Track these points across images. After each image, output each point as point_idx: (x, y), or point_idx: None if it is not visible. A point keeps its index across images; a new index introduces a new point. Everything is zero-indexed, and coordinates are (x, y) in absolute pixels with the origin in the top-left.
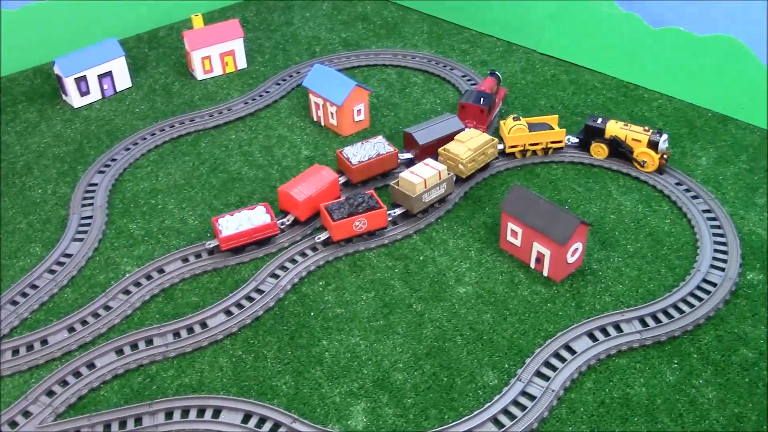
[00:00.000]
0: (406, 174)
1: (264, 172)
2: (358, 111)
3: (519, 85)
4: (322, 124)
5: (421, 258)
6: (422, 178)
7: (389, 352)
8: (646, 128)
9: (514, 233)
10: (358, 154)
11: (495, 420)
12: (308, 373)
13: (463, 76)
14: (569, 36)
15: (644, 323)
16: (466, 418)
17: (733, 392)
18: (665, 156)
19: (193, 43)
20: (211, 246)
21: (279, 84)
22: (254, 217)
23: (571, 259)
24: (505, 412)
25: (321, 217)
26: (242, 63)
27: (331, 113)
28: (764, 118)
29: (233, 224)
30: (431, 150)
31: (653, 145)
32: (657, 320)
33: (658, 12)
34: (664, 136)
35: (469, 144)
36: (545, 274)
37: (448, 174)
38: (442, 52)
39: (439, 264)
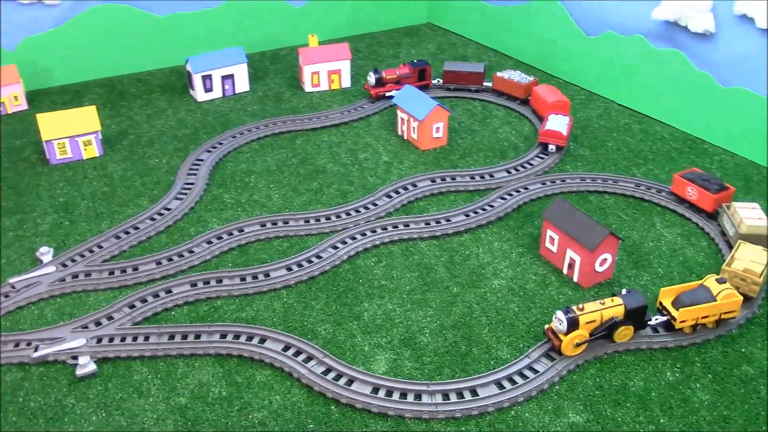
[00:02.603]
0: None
1: (345, 169)
2: (437, 128)
3: (591, 128)
4: (405, 137)
5: (466, 252)
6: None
7: (420, 320)
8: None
9: (551, 240)
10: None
11: (498, 383)
12: (346, 325)
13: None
14: (645, 90)
15: (656, 331)
16: (474, 377)
17: (727, 398)
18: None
19: (306, 58)
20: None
21: (374, 103)
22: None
23: (599, 269)
24: (509, 379)
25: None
26: (346, 82)
27: (413, 128)
28: None
29: (554, 124)
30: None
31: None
32: (669, 330)
33: (729, 72)
34: None
35: (758, 259)
36: (575, 279)
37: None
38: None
39: (481, 259)
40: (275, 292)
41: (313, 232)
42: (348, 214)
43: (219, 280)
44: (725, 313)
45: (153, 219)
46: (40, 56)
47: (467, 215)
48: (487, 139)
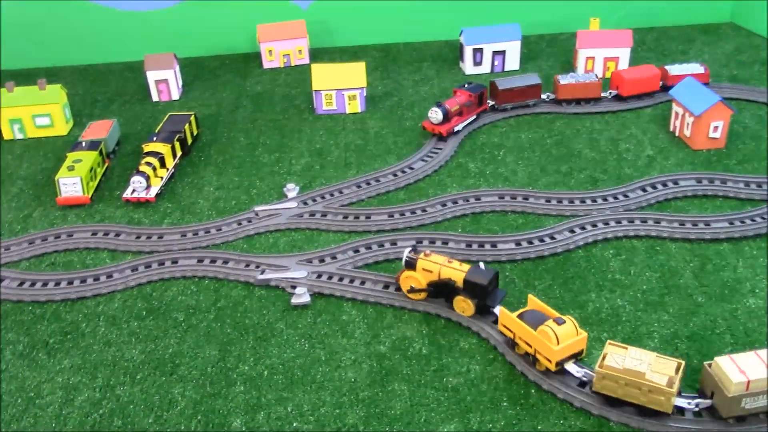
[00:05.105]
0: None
1: (601, 157)
2: (715, 128)
3: None
4: (677, 134)
5: (722, 263)
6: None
7: (651, 322)
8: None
9: None
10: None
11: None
12: (567, 312)
13: None
14: None
15: None
16: (699, 396)
17: None
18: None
19: (583, 42)
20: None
21: (643, 99)
22: None
23: None
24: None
25: None
26: None
27: (687, 124)
28: None
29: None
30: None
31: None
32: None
33: None
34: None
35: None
36: None
37: None
38: None
39: (738, 273)
40: (499, 264)
41: (552, 213)
42: (594, 200)
43: (445, 242)
44: (539, 353)
45: (395, 175)
46: (329, 16)
47: (731, 223)
48: None
